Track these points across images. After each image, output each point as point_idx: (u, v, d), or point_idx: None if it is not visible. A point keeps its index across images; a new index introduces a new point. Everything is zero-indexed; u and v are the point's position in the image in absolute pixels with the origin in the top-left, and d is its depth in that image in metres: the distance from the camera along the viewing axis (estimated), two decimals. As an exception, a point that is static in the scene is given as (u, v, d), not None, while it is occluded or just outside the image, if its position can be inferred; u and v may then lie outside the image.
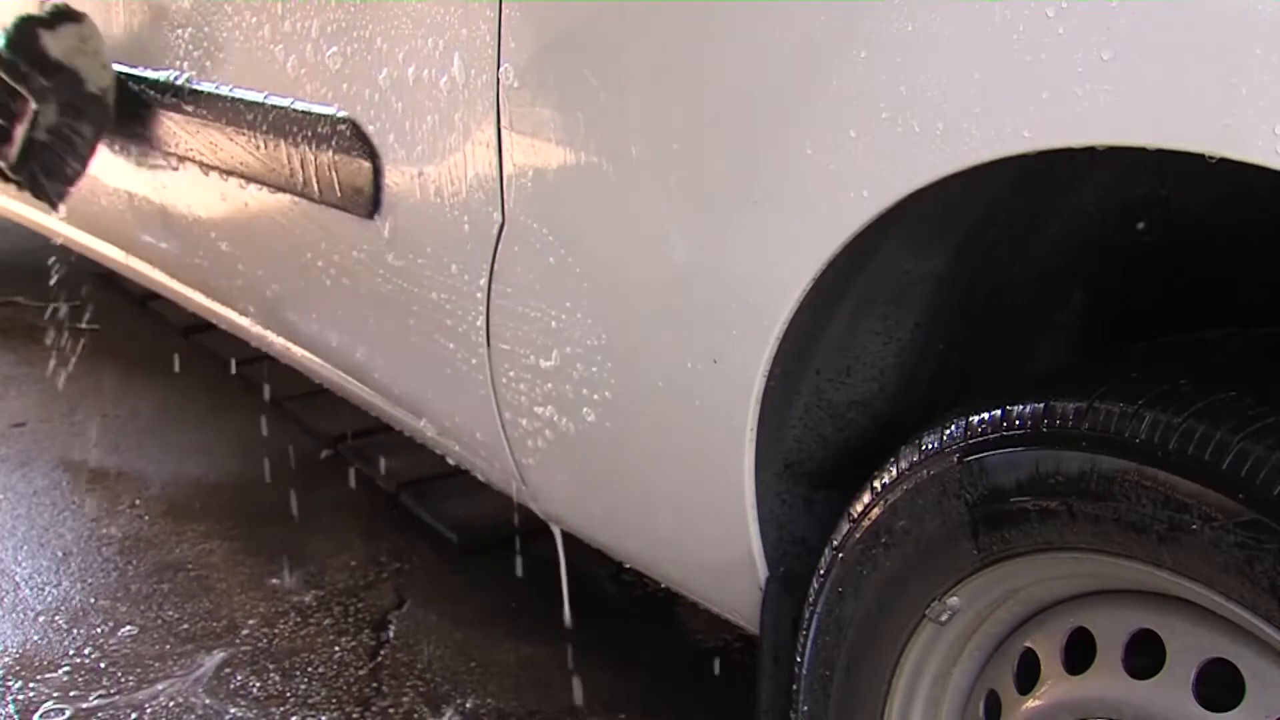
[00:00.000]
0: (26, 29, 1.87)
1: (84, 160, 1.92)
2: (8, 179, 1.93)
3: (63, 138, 1.87)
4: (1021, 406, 0.92)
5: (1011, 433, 0.92)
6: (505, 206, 1.29)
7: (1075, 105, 0.79)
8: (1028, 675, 0.99)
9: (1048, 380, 0.96)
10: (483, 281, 1.35)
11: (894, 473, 1.02)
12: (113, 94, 1.89)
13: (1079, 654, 0.94)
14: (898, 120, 0.90)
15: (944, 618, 1.01)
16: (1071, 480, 0.87)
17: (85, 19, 1.90)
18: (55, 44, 1.86)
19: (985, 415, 0.95)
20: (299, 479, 2.49)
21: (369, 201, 1.50)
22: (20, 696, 1.81)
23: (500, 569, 2.16)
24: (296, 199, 1.67)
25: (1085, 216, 1.10)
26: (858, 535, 1.05)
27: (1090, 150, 0.80)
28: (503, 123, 1.26)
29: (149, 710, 1.78)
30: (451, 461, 1.71)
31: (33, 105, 1.83)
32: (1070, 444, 0.87)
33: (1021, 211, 1.07)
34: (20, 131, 1.87)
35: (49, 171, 1.90)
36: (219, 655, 1.91)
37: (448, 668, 1.89)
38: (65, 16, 1.89)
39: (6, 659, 1.90)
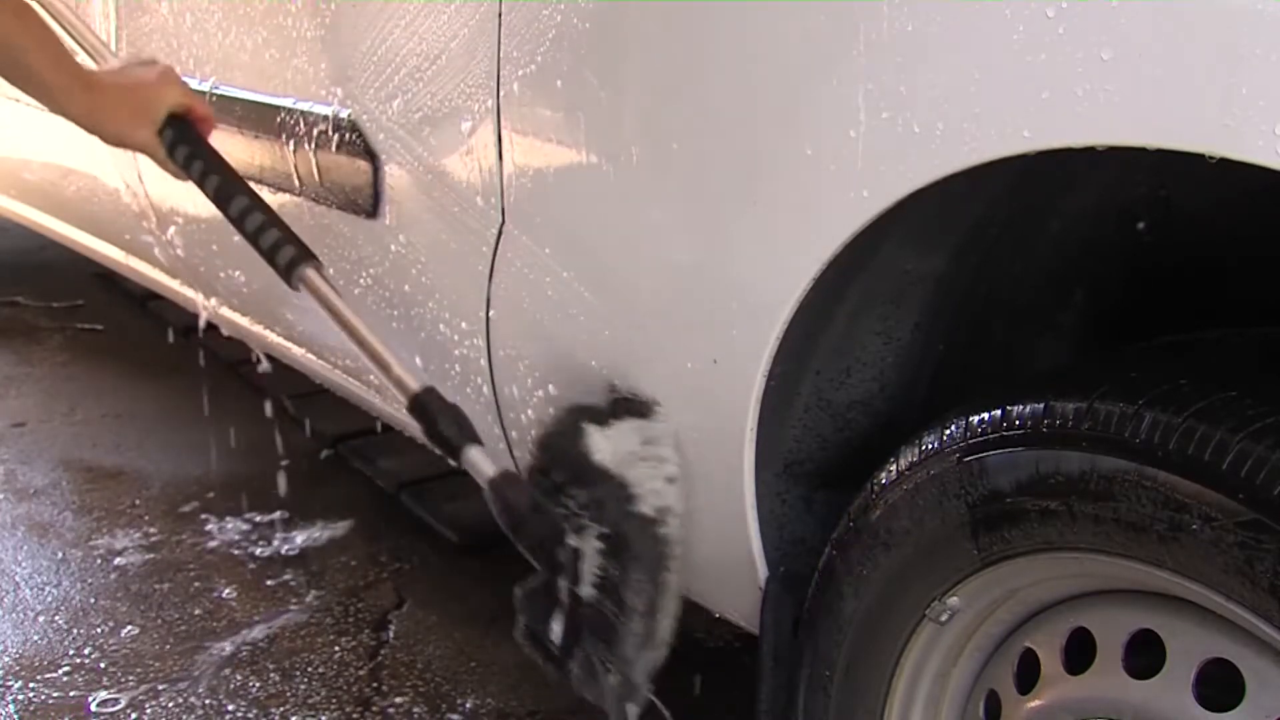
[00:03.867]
0: (569, 422, 1.26)
1: (639, 626, 1.20)
2: (566, 670, 1.25)
3: (609, 591, 1.19)
4: (1021, 406, 0.92)
5: (1011, 433, 0.92)
6: (505, 207, 1.29)
7: (1075, 105, 0.79)
8: (1028, 675, 0.98)
9: (1048, 380, 0.96)
10: (483, 281, 1.35)
11: (894, 473, 1.02)
12: (675, 517, 1.21)
13: (1079, 654, 0.94)
14: (898, 120, 0.89)
15: (944, 618, 1.01)
16: (1071, 480, 0.87)
17: (653, 413, 1.22)
18: (605, 446, 1.22)
19: (985, 415, 0.95)
20: (299, 479, 2.49)
21: (369, 202, 1.50)
22: (20, 696, 1.81)
23: (500, 569, 2.17)
24: (298, 199, 1.67)
25: (1085, 216, 1.10)
26: (858, 535, 1.05)
27: (1090, 150, 0.80)
28: (503, 123, 1.26)
29: (149, 710, 1.78)
30: (452, 461, 1.71)
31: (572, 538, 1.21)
32: (1070, 444, 0.87)
33: (1022, 211, 1.07)
34: (562, 584, 1.22)
35: (608, 651, 1.21)
36: (219, 655, 1.91)
37: (448, 668, 1.89)
38: (629, 409, 1.23)
39: (6, 659, 1.90)
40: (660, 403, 1.21)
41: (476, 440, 1.29)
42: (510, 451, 1.44)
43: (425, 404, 1.30)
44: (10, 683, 1.84)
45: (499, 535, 2.24)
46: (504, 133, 1.26)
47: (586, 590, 1.20)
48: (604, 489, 1.21)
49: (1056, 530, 0.89)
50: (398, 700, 1.80)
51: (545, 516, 1.22)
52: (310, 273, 1.36)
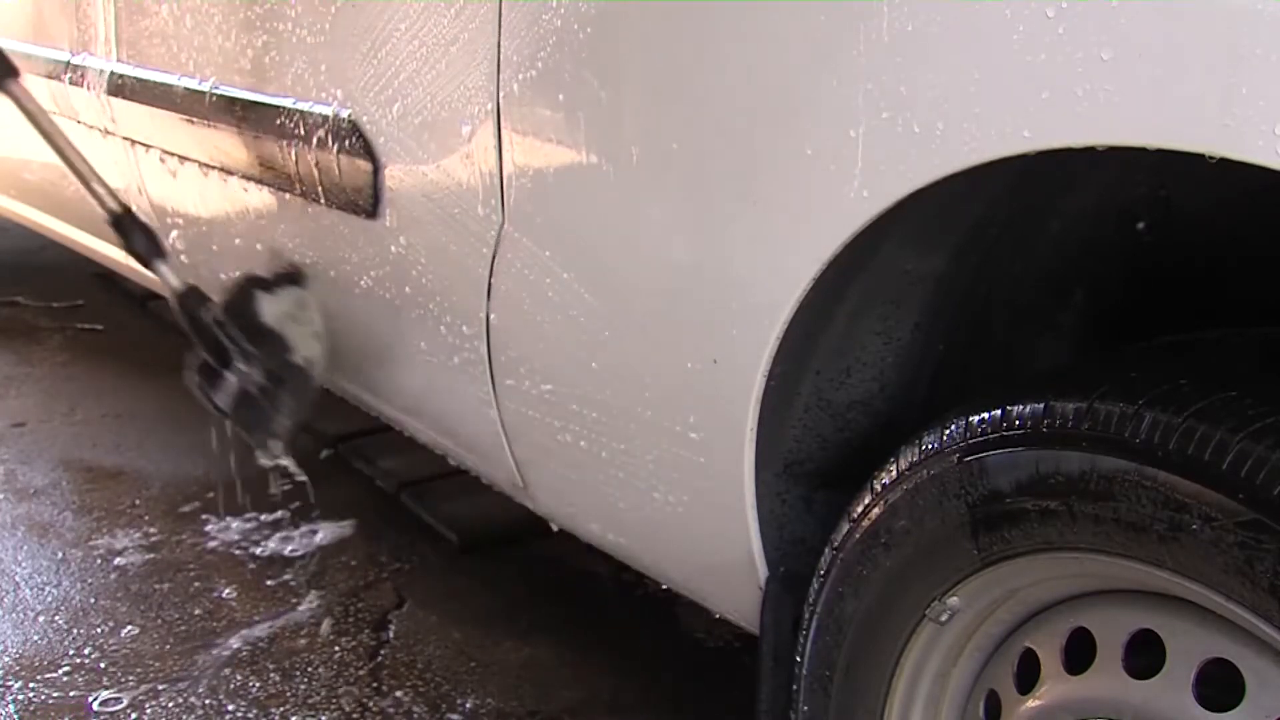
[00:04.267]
0: (244, 289, 1.76)
1: (285, 418, 1.77)
2: (224, 415, 1.83)
3: (266, 394, 1.75)
4: (1021, 406, 0.92)
5: (1011, 433, 0.92)
6: (505, 207, 1.29)
7: (1075, 105, 0.79)
8: (1028, 675, 0.98)
9: (1048, 380, 0.96)
10: (483, 281, 1.35)
11: (894, 473, 1.02)
12: (319, 363, 1.76)
13: (1079, 654, 0.94)
14: (898, 120, 0.90)
15: (944, 618, 1.01)
16: (1071, 480, 0.87)
17: (306, 281, 1.75)
18: (270, 308, 1.73)
19: (985, 415, 0.95)
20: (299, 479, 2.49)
21: (369, 202, 1.50)
22: (20, 696, 1.81)
23: (500, 569, 2.17)
24: (298, 199, 1.67)
25: (1085, 216, 1.10)
26: (858, 535, 1.05)
27: (1090, 150, 0.80)
28: (503, 124, 1.26)
29: (149, 710, 1.78)
30: (452, 461, 1.71)
31: (240, 364, 1.73)
32: (1070, 444, 0.87)
33: (1022, 211, 1.07)
34: (234, 381, 1.75)
35: (255, 423, 1.78)
36: (219, 655, 1.91)
37: (448, 668, 1.89)
38: (288, 279, 1.76)
39: (6, 659, 1.90)
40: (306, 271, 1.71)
41: (164, 255, 1.76)
42: (509, 448, 1.44)
43: (123, 222, 1.71)
44: (10, 683, 1.84)
45: (499, 536, 2.25)
46: (504, 134, 1.26)
47: (251, 390, 1.72)
48: (267, 342, 1.71)
49: (1056, 530, 0.89)
50: (398, 700, 1.80)
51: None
52: (12, 83, 1.64)
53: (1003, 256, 1.12)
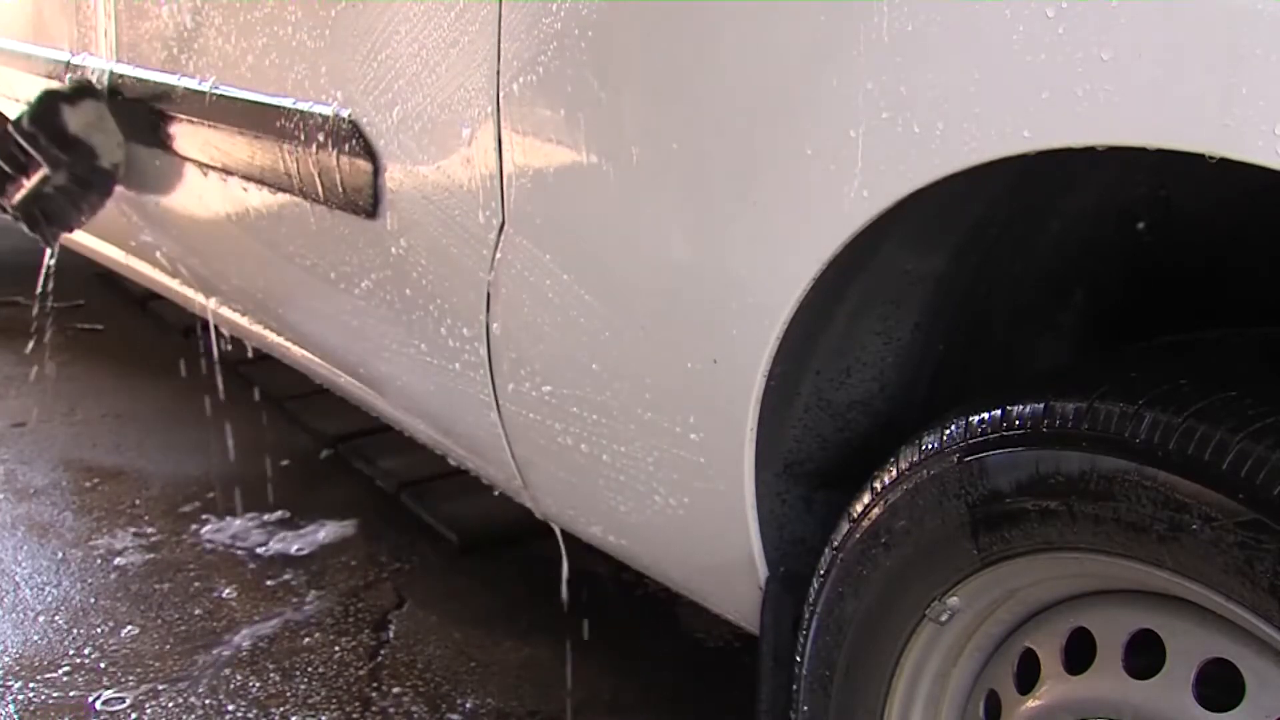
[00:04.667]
0: (49, 102, 1.97)
1: (85, 217, 2.06)
2: (5, 212, 2.08)
3: (68, 195, 1.99)
4: (1021, 406, 0.92)
5: (1011, 433, 0.92)
6: (505, 208, 1.29)
7: (1075, 105, 0.79)
8: (1028, 675, 0.99)
9: (1048, 380, 0.96)
10: (483, 282, 1.35)
11: (894, 473, 1.02)
12: (122, 168, 2.00)
13: (1079, 654, 0.94)
14: (898, 120, 0.89)
15: (944, 618, 1.01)
16: (1071, 480, 0.87)
17: (104, 95, 1.97)
18: (74, 119, 1.97)
19: (985, 415, 0.95)
20: (299, 479, 2.50)
21: (369, 203, 1.50)
22: (20, 696, 1.81)
23: (500, 569, 2.17)
24: (297, 199, 1.67)
25: (1085, 216, 1.10)
26: (858, 535, 1.05)
27: (1090, 150, 0.80)
28: (503, 124, 1.26)
29: (149, 710, 1.78)
30: (452, 461, 1.71)
31: (45, 170, 1.96)
32: (1070, 444, 0.87)
33: (1022, 211, 1.07)
34: (30, 183, 1.98)
35: (49, 218, 2.03)
36: (219, 655, 1.91)
37: (448, 668, 1.89)
38: (87, 92, 1.98)
39: (6, 659, 1.90)
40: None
41: None
42: (509, 449, 1.44)
43: None
44: (10, 683, 1.84)
45: (499, 536, 2.25)
46: (504, 134, 1.26)
47: (49, 190, 1.97)
48: (75, 151, 1.95)
49: (1056, 530, 0.89)
50: (398, 700, 1.80)
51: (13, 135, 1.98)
52: None
53: (1003, 256, 1.12)
